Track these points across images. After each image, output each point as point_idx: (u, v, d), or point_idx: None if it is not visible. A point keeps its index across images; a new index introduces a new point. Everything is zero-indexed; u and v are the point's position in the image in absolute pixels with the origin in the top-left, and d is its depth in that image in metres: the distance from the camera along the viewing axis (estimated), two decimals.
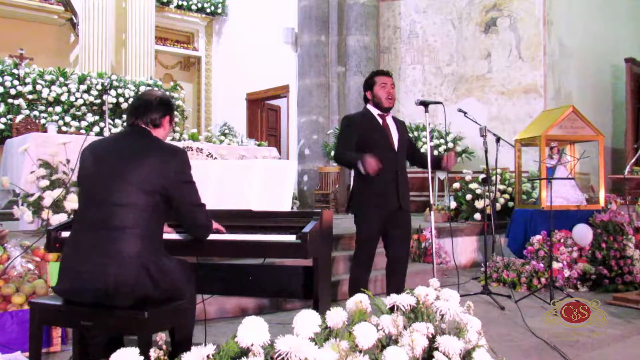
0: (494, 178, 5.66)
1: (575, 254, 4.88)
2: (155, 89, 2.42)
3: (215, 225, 2.40)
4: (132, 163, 2.06)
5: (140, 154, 2.09)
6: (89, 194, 2.13)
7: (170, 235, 2.44)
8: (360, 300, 1.68)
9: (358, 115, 3.54)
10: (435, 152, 8.23)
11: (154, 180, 2.06)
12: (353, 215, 3.46)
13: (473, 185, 6.32)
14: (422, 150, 7.97)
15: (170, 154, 2.13)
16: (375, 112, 3.44)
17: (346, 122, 3.50)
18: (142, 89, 9.91)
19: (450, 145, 8.26)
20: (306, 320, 1.50)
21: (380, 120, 3.42)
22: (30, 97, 8.88)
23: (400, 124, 3.54)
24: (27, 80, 8.87)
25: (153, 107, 2.22)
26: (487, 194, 5.81)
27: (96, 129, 9.05)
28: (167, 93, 2.62)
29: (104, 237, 2.02)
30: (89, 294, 2.02)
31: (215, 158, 5.94)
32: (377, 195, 3.33)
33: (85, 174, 2.16)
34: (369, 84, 3.49)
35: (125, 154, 2.10)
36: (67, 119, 9.07)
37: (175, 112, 10.42)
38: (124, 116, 9.44)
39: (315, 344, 1.45)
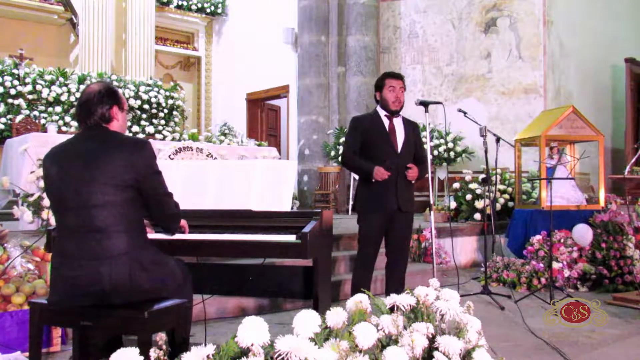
0: (494, 178, 5.65)
1: (575, 254, 4.88)
2: (94, 83, 2.29)
3: (182, 222, 2.40)
4: (99, 163, 2.03)
5: (105, 152, 2.06)
6: (62, 202, 2.09)
7: (169, 236, 2.44)
8: (360, 300, 1.68)
9: (366, 116, 3.58)
10: (435, 152, 8.24)
11: (125, 175, 2.04)
12: (357, 216, 3.48)
13: (473, 185, 6.32)
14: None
15: (136, 147, 2.10)
16: (382, 113, 3.45)
17: (353, 124, 3.52)
18: (142, 88, 9.91)
19: (450, 145, 8.26)
20: (306, 320, 1.50)
21: (387, 122, 3.43)
22: (30, 97, 8.88)
23: (409, 127, 3.52)
24: (27, 80, 8.87)
25: (95, 103, 2.14)
26: (487, 194, 5.81)
27: None
28: (104, 81, 2.44)
29: (89, 240, 2.01)
30: (86, 298, 2.02)
31: (215, 158, 5.94)
32: (377, 197, 3.34)
33: (53, 183, 2.11)
34: (378, 86, 3.49)
35: (90, 156, 2.06)
36: (67, 119, 9.07)
37: (175, 112, 10.42)
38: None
39: (315, 344, 1.45)
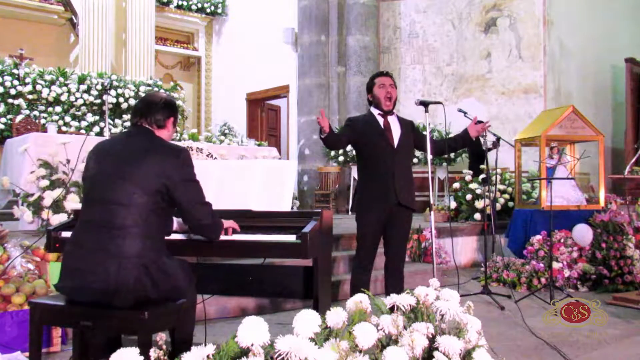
0: (494, 178, 5.65)
1: (575, 254, 4.88)
2: (161, 91, 2.51)
3: (230, 223, 2.38)
4: (133, 162, 2.07)
5: (143, 153, 2.10)
6: (91, 193, 2.14)
7: (169, 236, 2.44)
8: (360, 300, 1.68)
9: (361, 117, 3.63)
10: None
11: (155, 179, 2.06)
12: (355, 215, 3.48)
13: (473, 185, 6.32)
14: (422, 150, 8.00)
15: (172, 153, 2.14)
16: (376, 112, 3.47)
17: (347, 122, 3.58)
18: (142, 89, 9.91)
19: None
20: (306, 320, 1.50)
21: (381, 120, 3.43)
22: (30, 97, 8.88)
23: (405, 124, 3.52)
24: (27, 80, 8.87)
25: (158, 108, 2.24)
26: (487, 194, 5.81)
27: (96, 129, 9.06)
28: (170, 95, 2.61)
29: (106, 236, 2.03)
30: (90, 292, 2.02)
31: (215, 158, 5.94)
32: (375, 193, 3.34)
33: (88, 174, 2.19)
34: (369, 86, 3.53)
35: (127, 154, 2.11)
36: (67, 119, 9.07)
37: None
38: (124, 116, 9.45)
39: (315, 344, 1.45)
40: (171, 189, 2.09)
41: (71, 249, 2.14)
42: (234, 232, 2.40)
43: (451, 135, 3.50)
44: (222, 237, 2.42)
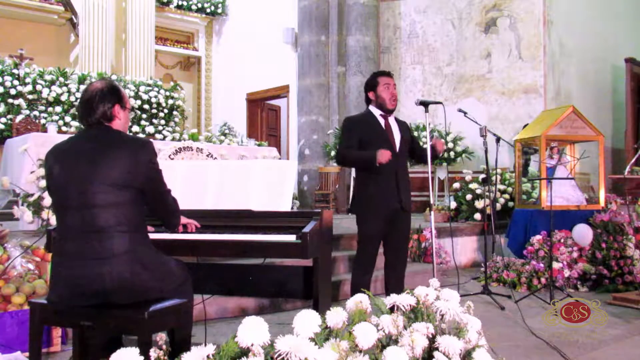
0: (494, 178, 5.65)
1: (575, 254, 4.88)
2: (97, 81, 2.28)
3: (187, 220, 2.48)
4: (102, 163, 2.04)
5: (108, 152, 2.06)
6: (65, 201, 2.08)
7: (169, 235, 2.44)
8: (360, 300, 1.68)
9: (360, 116, 3.55)
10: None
11: (128, 175, 2.05)
12: (355, 216, 3.46)
13: (473, 185, 6.32)
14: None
15: (138, 147, 2.11)
16: (377, 112, 3.44)
17: (347, 123, 3.50)
18: (142, 89, 9.91)
19: (450, 145, 8.25)
20: (306, 320, 1.50)
21: (382, 121, 3.42)
22: (30, 97, 8.88)
23: (402, 125, 3.53)
24: (27, 80, 8.87)
25: (97, 102, 2.13)
26: (487, 194, 5.81)
27: None
28: (107, 79, 2.31)
29: (92, 240, 2.01)
30: (87, 298, 2.02)
31: (215, 158, 5.93)
32: (378, 196, 3.33)
33: (56, 182, 2.11)
34: (371, 85, 3.46)
35: (93, 156, 2.06)
36: (67, 119, 9.07)
37: (175, 112, 10.42)
38: None
39: (315, 344, 1.45)
40: (143, 181, 2.10)
41: (59, 259, 2.10)
42: (197, 229, 2.52)
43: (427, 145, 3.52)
44: (222, 237, 2.42)
